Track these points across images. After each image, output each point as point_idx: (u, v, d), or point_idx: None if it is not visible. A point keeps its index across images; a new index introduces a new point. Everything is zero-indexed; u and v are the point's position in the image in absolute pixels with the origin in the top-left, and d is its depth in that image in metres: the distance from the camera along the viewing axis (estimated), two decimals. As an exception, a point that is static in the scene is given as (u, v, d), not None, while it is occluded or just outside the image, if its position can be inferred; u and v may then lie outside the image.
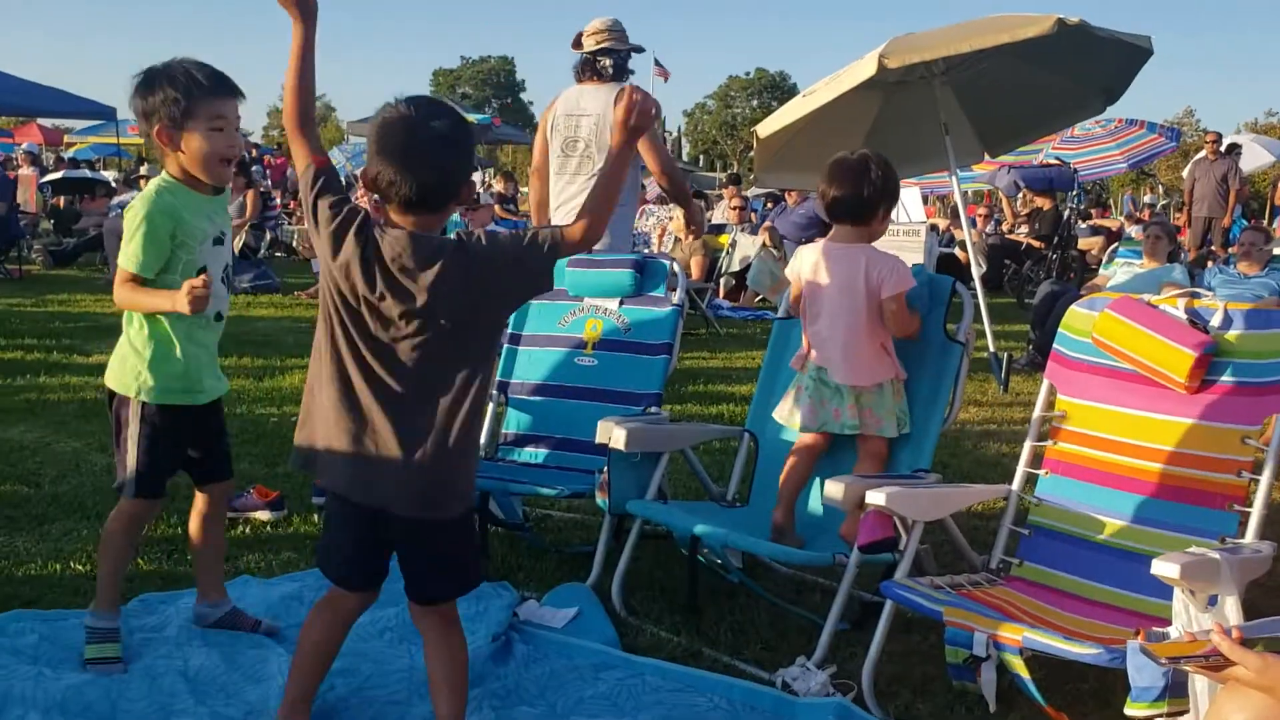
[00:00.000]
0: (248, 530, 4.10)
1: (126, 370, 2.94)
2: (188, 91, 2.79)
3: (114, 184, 17.89)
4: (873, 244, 3.54)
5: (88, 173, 18.75)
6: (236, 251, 12.13)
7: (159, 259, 2.85)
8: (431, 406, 2.35)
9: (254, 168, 16.87)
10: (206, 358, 3.05)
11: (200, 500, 3.17)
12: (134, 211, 2.86)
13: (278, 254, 15.08)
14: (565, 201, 5.58)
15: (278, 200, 17.92)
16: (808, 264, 3.62)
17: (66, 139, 31.43)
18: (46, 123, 31.11)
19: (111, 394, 2.99)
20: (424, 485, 2.36)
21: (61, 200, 15.94)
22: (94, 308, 10.01)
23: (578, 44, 5.66)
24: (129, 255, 2.85)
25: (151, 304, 2.86)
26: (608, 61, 5.53)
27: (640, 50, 5.85)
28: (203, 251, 2.91)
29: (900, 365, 3.54)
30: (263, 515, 4.20)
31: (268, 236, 13.46)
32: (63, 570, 3.64)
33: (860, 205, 3.50)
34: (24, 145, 23.35)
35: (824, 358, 3.56)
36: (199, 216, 2.90)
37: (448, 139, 2.36)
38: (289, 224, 17.16)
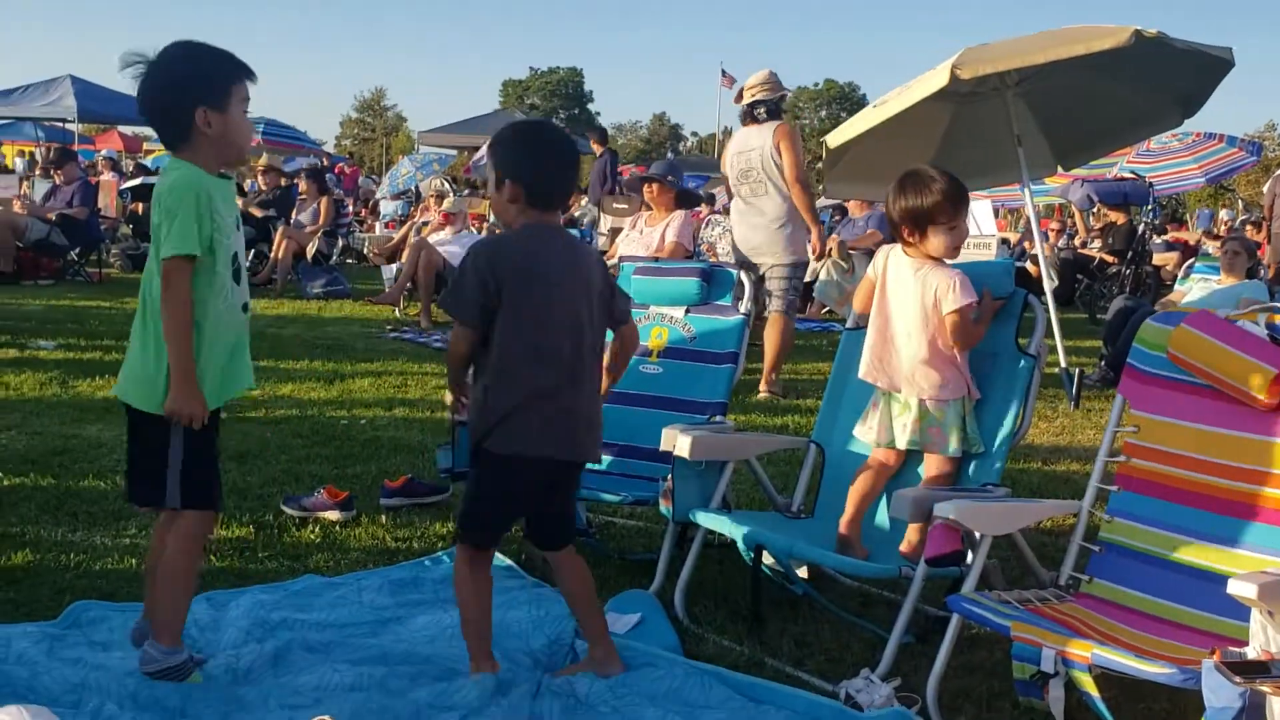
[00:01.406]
0: (317, 530, 4.16)
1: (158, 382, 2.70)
2: (231, 70, 2.73)
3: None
4: (943, 257, 3.51)
5: (166, 179, 19.17)
6: (309, 259, 12.34)
7: (204, 235, 2.65)
8: None
9: (327, 175, 17.14)
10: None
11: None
12: (167, 193, 2.65)
13: (349, 260, 15.32)
14: (744, 215, 7.33)
15: (350, 208, 18.18)
16: (881, 268, 3.60)
17: (145, 146, 32.19)
18: (126, 130, 31.90)
19: (139, 413, 2.75)
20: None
21: (140, 206, 16.30)
22: (170, 311, 10.22)
23: (739, 98, 7.55)
24: (178, 235, 2.61)
25: (180, 347, 2.65)
26: (762, 109, 7.32)
27: (789, 92, 7.73)
28: (232, 237, 2.77)
29: (974, 384, 3.50)
30: (332, 515, 4.27)
31: (340, 243, 13.67)
32: (138, 565, 3.72)
33: (893, 218, 3.53)
34: (103, 151, 23.94)
35: (891, 368, 3.54)
36: (225, 200, 2.76)
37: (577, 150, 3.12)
38: (360, 231, 17.44)
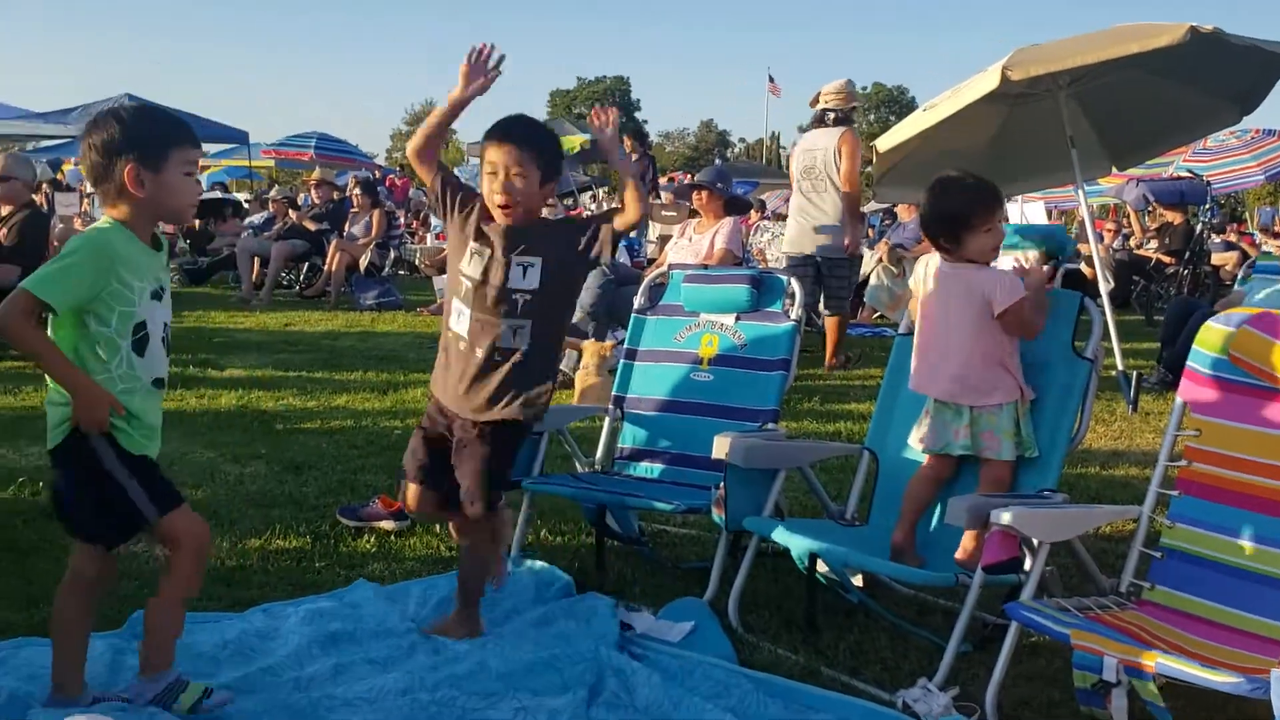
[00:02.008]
0: (372, 540, 4.19)
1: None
2: (169, 132, 2.70)
3: (245, 205, 18.58)
4: (983, 260, 3.48)
5: (219, 193, 19.47)
6: (362, 270, 12.45)
7: (75, 297, 2.56)
8: None
9: (379, 188, 17.31)
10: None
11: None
12: (74, 240, 2.64)
13: (401, 272, 15.45)
14: (802, 209, 8.27)
15: (401, 220, 18.36)
16: (922, 277, 3.59)
17: (201, 162, 32.64)
18: (183, 147, 32.38)
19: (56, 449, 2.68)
20: None
21: (197, 222, 16.58)
22: (227, 323, 10.39)
23: (814, 102, 8.42)
24: (41, 277, 2.54)
25: (60, 372, 2.57)
26: (831, 115, 8.24)
27: (860, 105, 8.78)
28: (142, 305, 2.65)
29: (1027, 385, 3.46)
30: (387, 525, 4.30)
31: (392, 255, 13.79)
32: (199, 575, 3.77)
33: (927, 227, 3.55)
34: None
35: (940, 375, 3.50)
36: (140, 265, 2.66)
37: None
38: (412, 243, 17.60)
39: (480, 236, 3.22)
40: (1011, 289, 3.37)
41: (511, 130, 3.19)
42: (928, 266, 3.58)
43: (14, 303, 2.53)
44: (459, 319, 3.23)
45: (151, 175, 2.63)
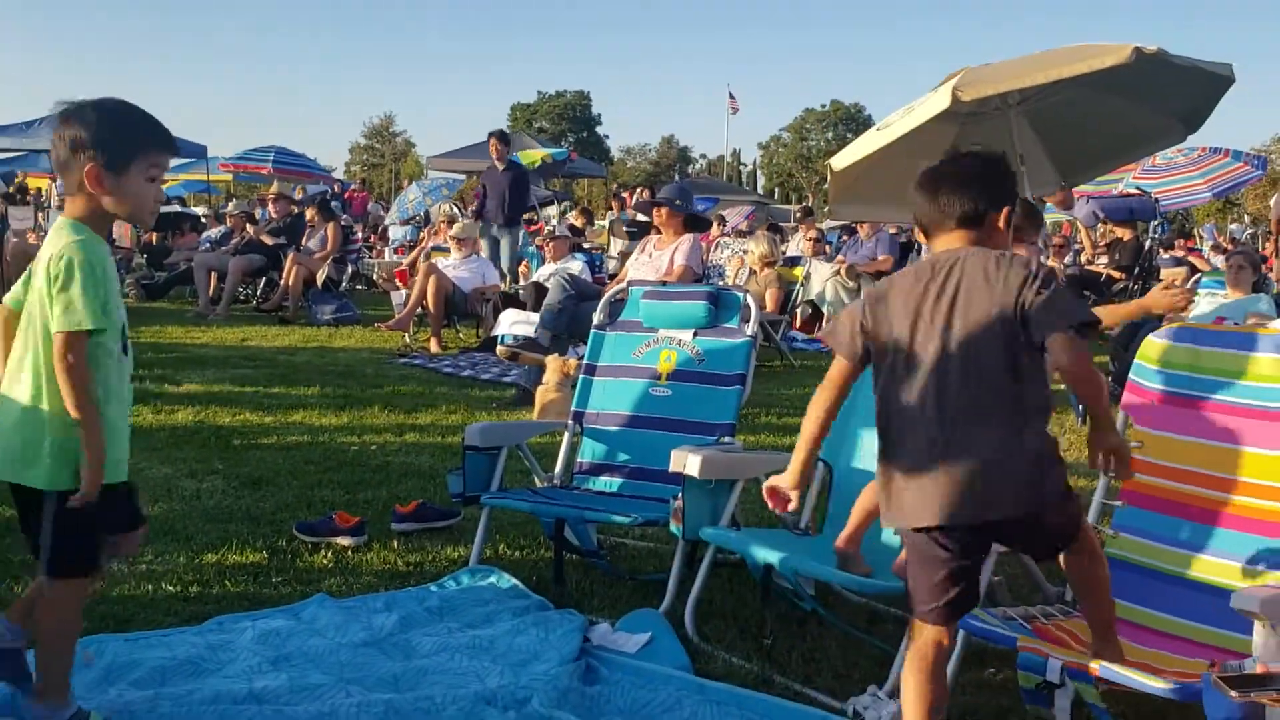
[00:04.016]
0: (329, 555, 4.20)
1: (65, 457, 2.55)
2: (141, 136, 2.66)
3: (203, 219, 18.44)
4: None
5: (178, 207, 19.32)
6: (319, 285, 12.40)
7: (107, 311, 2.55)
8: None
9: (334, 202, 17.25)
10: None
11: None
12: (64, 257, 2.53)
13: (358, 286, 15.40)
14: None
15: (359, 234, 18.29)
16: None
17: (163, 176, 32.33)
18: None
19: (34, 495, 2.58)
20: None
21: (154, 236, 16.45)
22: (184, 339, 10.32)
23: None
24: (80, 310, 2.49)
25: (95, 424, 2.53)
26: None
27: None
28: (121, 308, 2.67)
29: None
30: (344, 541, 4.31)
31: (349, 270, 13.76)
32: (155, 591, 3.77)
33: None
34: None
35: None
36: (111, 264, 2.65)
37: None
38: (369, 257, 17.54)
39: None
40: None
41: None
42: None
43: (79, 345, 2.50)
44: None
45: (113, 177, 2.58)
